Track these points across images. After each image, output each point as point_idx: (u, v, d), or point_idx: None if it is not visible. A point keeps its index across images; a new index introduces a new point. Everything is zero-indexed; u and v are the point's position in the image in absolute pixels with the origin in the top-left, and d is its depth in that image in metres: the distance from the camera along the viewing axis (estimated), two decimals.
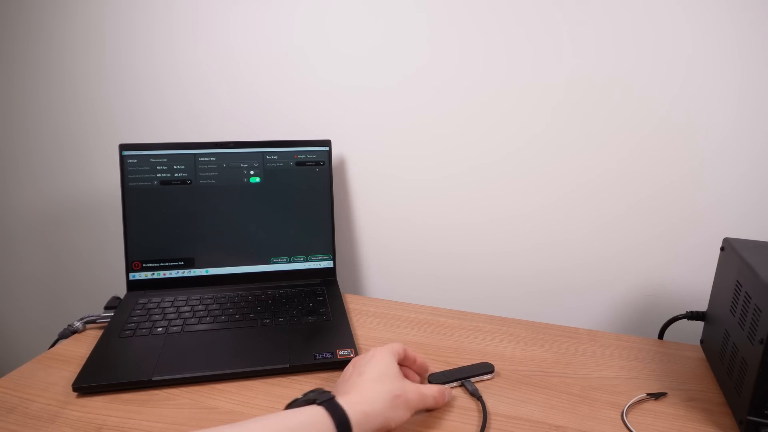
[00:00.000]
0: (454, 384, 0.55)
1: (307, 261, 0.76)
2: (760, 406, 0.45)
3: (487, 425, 0.49)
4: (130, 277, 0.72)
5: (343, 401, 0.41)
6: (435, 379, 0.55)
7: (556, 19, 0.65)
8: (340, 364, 0.58)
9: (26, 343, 1.10)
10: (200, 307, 0.67)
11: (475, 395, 0.53)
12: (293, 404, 0.43)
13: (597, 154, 0.69)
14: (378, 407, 0.42)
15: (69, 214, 0.96)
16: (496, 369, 0.58)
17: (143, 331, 0.62)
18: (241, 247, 0.74)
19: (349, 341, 0.61)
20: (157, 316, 0.65)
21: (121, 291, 0.73)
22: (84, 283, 1.00)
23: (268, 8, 0.76)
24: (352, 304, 0.75)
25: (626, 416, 0.50)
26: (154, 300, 0.69)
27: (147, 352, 0.58)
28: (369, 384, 0.45)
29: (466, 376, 0.55)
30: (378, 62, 0.74)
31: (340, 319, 0.66)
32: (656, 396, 0.53)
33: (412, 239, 0.80)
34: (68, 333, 0.64)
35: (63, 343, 0.63)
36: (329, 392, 0.43)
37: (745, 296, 0.49)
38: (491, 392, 0.55)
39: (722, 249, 0.57)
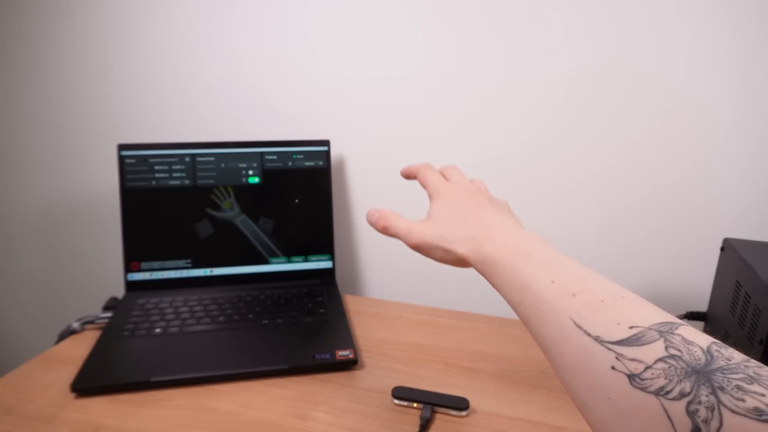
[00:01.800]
0: (416, 405, 0.52)
1: (306, 261, 0.76)
2: None
3: None
4: (129, 278, 0.71)
5: None
6: (399, 393, 0.52)
7: (553, 20, 0.65)
8: (339, 365, 0.58)
9: (24, 343, 1.09)
10: (199, 307, 0.67)
11: (422, 422, 0.49)
12: None
13: (596, 153, 0.68)
14: None
15: (67, 214, 0.96)
16: (494, 370, 0.58)
17: (141, 332, 0.61)
18: (239, 247, 0.74)
19: (348, 342, 0.61)
20: (156, 316, 0.65)
21: (120, 291, 0.72)
22: (82, 283, 1.00)
23: (268, 8, 0.75)
24: (352, 304, 0.74)
25: None
26: (152, 301, 0.68)
27: (145, 353, 0.58)
28: None
29: (433, 401, 0.51)
30: (377, 62, 0.74)
31: (339, 320, 0.65)
32: None
33: None
34: (66, 334, 0.64)
35: (61, 344, 0.62)
36: None
37: (744, 296, 0.48)
38: (491, 392, 0.54)
39: (722, 249, 0.57)
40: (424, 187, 0.45)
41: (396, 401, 0.52)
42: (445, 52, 0.71)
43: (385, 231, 0.42)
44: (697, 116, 0.63)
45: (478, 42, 0.69)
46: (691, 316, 0.61)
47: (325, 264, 0.76)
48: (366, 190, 0.80)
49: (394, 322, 0.70)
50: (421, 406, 0.51)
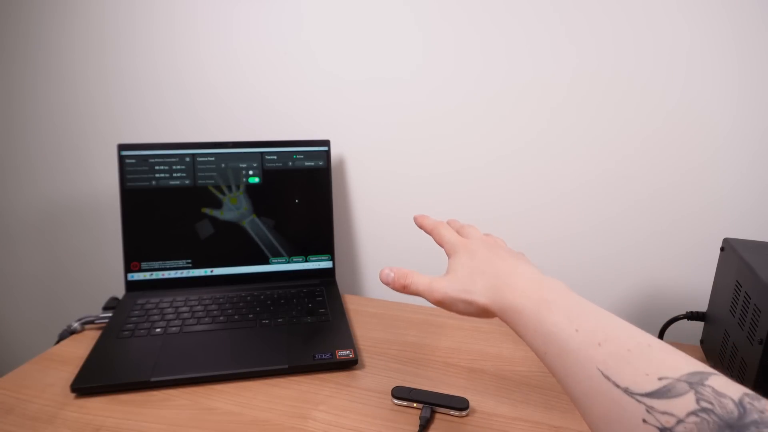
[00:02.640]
0: (415, 405, 0.52)
1: (306, 261, 0.76)
2: None
3: None
4: (129, 278, 0.71)
5: None
6: (399, 393, 0.52)
7: (553, 20, 0.65)
8: (339, 365, 0.58)
9: (24, 343, 1.09)
10: (199, 307, 0.67)
11: (421, 423, 0.49)
12: None
13: (597, 154, 0.68)
14: None
15: (68, 213, 0.96)
16: (495, 370, 0.58)
17: (142, 331, 0.61)
18: (239, 247, 0.74)
19: (348, 342, 0.61)
20: (156, 316, 0.65)
21: (120, 291, 0.72)
22: (82, 283, 1.00)
23: (268, 8, 0.75)
24: (352, 304, 0.74)
25: None
26: (152, 301, 0.68)
27: (145, 352, 0.58)
28: None
29: (432, 402, 0.51)
30: (377, 62, 0.74)
31: (339, 320, 0.65)
32: None
33: (411, 239, 0.80)
34: (66, 334, 0.64)
35: (61, 344, 0.62)
36: None
37: (744, 296, 0.48)
38: (491, 392, 0.54)
39: (722, 249, 0.57)
40: (440, 245, 0.46)
41: (396, 401, 0.52)
42: (445, 52, 0.71)
43: (404, 290, 0.42)
44: (698, 117, 0.63)
45: (479, 42, 0.69)
46: (691, 317, 0.61)
47: (325, 264, 0.76)
48: (366, 190, 0.80)
49: (394, 322, 0.70)
50: (420, 406, 0.51)
